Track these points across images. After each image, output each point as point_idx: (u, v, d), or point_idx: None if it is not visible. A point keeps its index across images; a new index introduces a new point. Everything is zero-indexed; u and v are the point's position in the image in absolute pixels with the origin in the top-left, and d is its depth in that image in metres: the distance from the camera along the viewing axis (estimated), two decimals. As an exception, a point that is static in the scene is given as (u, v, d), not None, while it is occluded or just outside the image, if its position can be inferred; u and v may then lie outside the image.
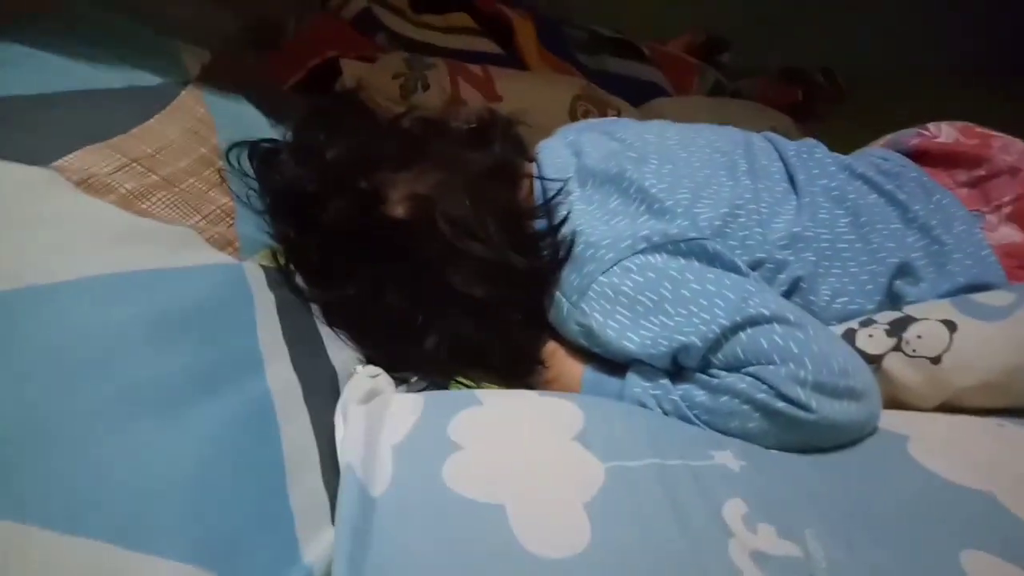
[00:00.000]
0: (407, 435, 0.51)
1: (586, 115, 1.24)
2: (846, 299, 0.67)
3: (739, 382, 0.58)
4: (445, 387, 0.67)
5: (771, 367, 0.57)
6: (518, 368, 0.70)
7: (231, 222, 0.67)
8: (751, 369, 0.58)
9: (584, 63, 1.55)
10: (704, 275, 0.62)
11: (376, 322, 0.67)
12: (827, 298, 0.67)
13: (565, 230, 0.68)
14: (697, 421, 0.59)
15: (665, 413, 0.60)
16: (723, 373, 0.59)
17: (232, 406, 0.48)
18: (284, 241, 0.70)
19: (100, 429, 0.43)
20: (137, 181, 0.63)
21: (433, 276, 0.67)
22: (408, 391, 0.64)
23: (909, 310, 0.64)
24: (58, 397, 0.44)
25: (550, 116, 1.08)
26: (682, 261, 0.63)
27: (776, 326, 0.58)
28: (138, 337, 0.49)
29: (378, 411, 0.53)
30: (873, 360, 0.62)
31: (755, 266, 0.67)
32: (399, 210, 0.68)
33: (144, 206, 0.61)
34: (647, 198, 0.67)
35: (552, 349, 0.69)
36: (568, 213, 0.68)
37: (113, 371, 0.46)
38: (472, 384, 0.69)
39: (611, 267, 0.63)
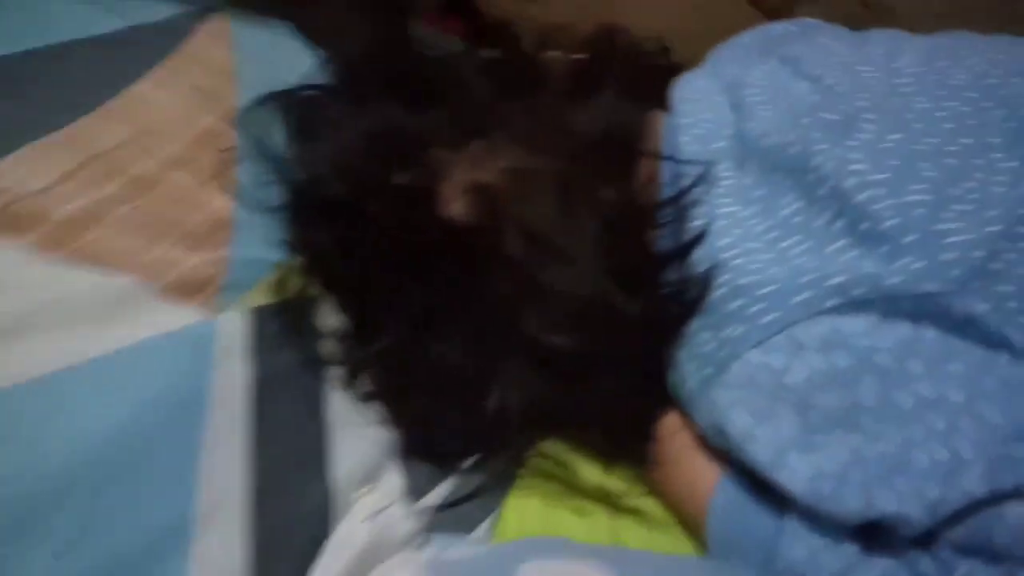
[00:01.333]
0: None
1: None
2: None
3: None
4: (506, 487, 0.47)
5: None
6: (616, 448, 0.47)
7: (223, 238, 0.48)
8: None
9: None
10: (943, 365, 0.35)
11: (417, 378, 0.47)
12: None
13: (701, 254, 0.42)
14: None
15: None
16: (964, 562, 0.33)
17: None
18: (307, 253, 0.50)
19: None
20: (88, 195, 0.45)
21: (498, 313, 0.44)
22: (448, 503, 0.45)
23: None
24: None
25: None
26: (904, 334, 0.36)
27: None
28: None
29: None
30: None
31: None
32: (454, 209, 0.45)
33: (83, 240, 0.43)
34: (849, 208, 0.39)
35: (673, 428, 0.45)
36: (707, 226, 0.42)
37: None
38: (554, 465, 0.48)
39: (772, 336, 0.38)
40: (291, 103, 0.55)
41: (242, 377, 0.42)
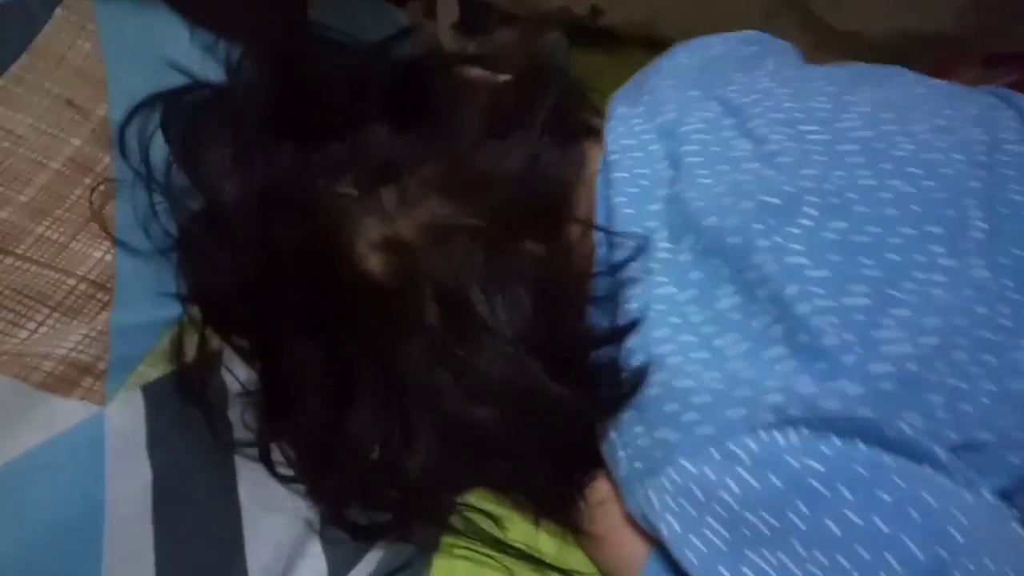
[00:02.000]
0: None
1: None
2: None
3: None
4: (430, 553, 0.46)
5: None
6: (544, 510, 0.46)
7: (104, 302, 0.43)
8: None
9: None
10: (873, 493, 0.35)
11: (336, 445, 0.44)
12: None
13: (632, 343, 0.40)
14: None
15: None
16: None
17: None
18: (204, 301, 0.45)
19: None
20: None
21: (419, 381, 0.42)
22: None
23: None
24: None
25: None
26: (833, 452, 0.36)
27: None
28: None
29: None
30: None
31: (964, 448, 0.38)
32: (368, 266, 0.41)
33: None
34: (788, 317, 0.37)
35: (602, 496, 0.44)
36: (643, 311, 0.40)
37: None
38: (487, 518, 0.47)
39: (705, 448, 0.37)
40: (175, 111, 0.48)
41: (140, 477, 0.39)
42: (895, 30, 0.71)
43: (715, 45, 0.53)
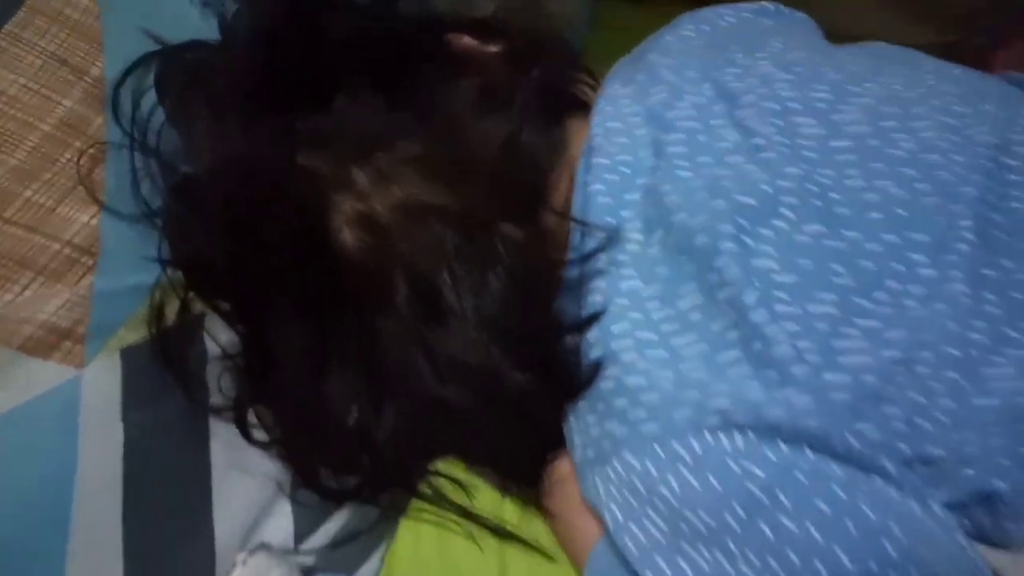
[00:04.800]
0: None
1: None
2: None
3: None
4: (398, 516, 0.47)
5: None
6: (509, 482, 0.47)
7: (88, 266, 0.44)
8: None
9: None
10: (811, 502, 0.35)
11: (309, 409, 0.46)
12: None
13: (593, 336, 0.40)
14: None
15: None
16: None
17: None
18: (187, 265, 0.46)
19: None
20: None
21: (389, 357, 0.43)
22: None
23: None
24: None
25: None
26: (777, 459, 0.35)
27: None
28: None
29: None
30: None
31: (920, 463, 0.37)
32: (344, 238, 0.42)
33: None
34: (743, 323, 0.36)
35: (562, 475, 0.45)
36: (606, 303, 0.40)
37: None
38: (455, 485, 0.48)
39: (650, 445, 0.37)
40: (170, 73, 0.49)
41: (112, 439, 0.41)
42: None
43: (725, 17, 0.50)
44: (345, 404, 0.44)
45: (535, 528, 0.48)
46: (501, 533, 0.47)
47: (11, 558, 0.36)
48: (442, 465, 0.49)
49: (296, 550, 0.45)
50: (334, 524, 0.47)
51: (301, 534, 0.46)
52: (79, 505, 0.38)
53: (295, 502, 0.46)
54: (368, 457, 0.46)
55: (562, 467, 0.45)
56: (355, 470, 0.47)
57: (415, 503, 0.48)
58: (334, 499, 0.47)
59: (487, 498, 0.49)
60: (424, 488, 0.48)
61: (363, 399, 0.44)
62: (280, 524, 0.45)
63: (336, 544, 0.46)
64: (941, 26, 0.61)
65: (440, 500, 0.48)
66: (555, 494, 0.45)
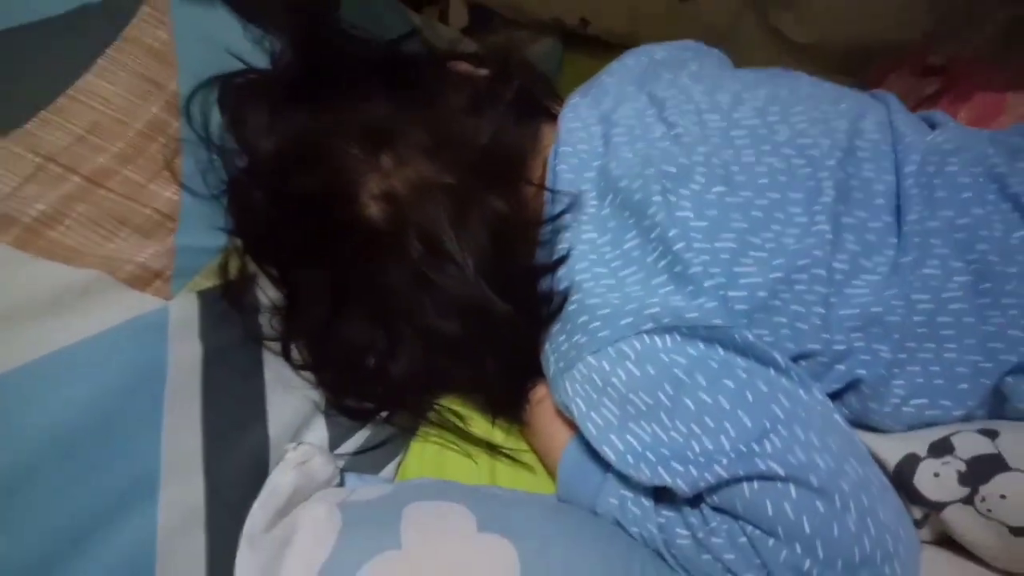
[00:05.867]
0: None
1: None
2: (924, 401, 0.50)
3: (729, 546, 0.46)
4: (409, 436, 0.59)
5: (771, 541, 0.44)
6: (497, 408, 0.60)
7: (171, 228, 0.57)
8: (749, 530, 0.45)
9: None
10: (720, 380, 0.47)
11: (333, 348, 0.58)
12: (897, 400, 0.50)
13: (561, 273, 0.53)
14: (673, 564, 0.49)
15: (644, 540, 0.50)
16: (716, 517, 0.47)
17: (98, 570, 0.43)
18: (244, 237, 0.59)
19: None
20: (49, 196, 0.53)
21: (399, 300, 0.55)
22: (365, 446, 0.57)
23: (1007, 442, 0.47)
24: None
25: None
26: (696, 352, 0.48)
27: (792, 489, 0.44)
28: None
29: (281, 542, 0.46)
30: (932, 507, 0.47)
31: (802, 357, 0.50)
32: (368, 212, 0.55)
33: (51, 237, 0.52)
34: (669, 252, 0.50)
35: (540, 397, 0.58)
36: (570, 249, 0.53)
37: None
38: (454, 415, 0.60)
39: (604, 348, 0.49)
40: (228, 89, 0.63)
41: (193, 352, 0.53)
42: (852, 40, 0.82)
43: (658, 51, 0.66)
44: (365, 344, 0.57)
45: (519, 447, 0.60)
46: (491, 448, 0.59)
47: (116, 426, 0.47)
48: (444, 400, 0.61)
49: (331, 453, 0.57)
50: (359, 438, 0.58)
51: (334, 441, 0.57)
52: (170, 391, 0.49)
53: (328, 417, 0.58)
54: (383, 388, 0.58)
55: (539, 391, 0.58)
56: (372, 397, 0.59)
57: (422, 428, 0.60)
58: (357, 418, 0.59)
59: (479, 425, 0.61)
60: (430, 416, 0.60)
61: (380, 340, 0.56)
62: (317, 434, 0.57)
63: (360, 451, 0.58)
64: (834, 73, 0.77)
65: (442, 424, 0.59)
66: (535, 413, 0.58)
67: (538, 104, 0.62)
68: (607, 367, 0.49)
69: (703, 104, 0.56)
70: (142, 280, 0.53)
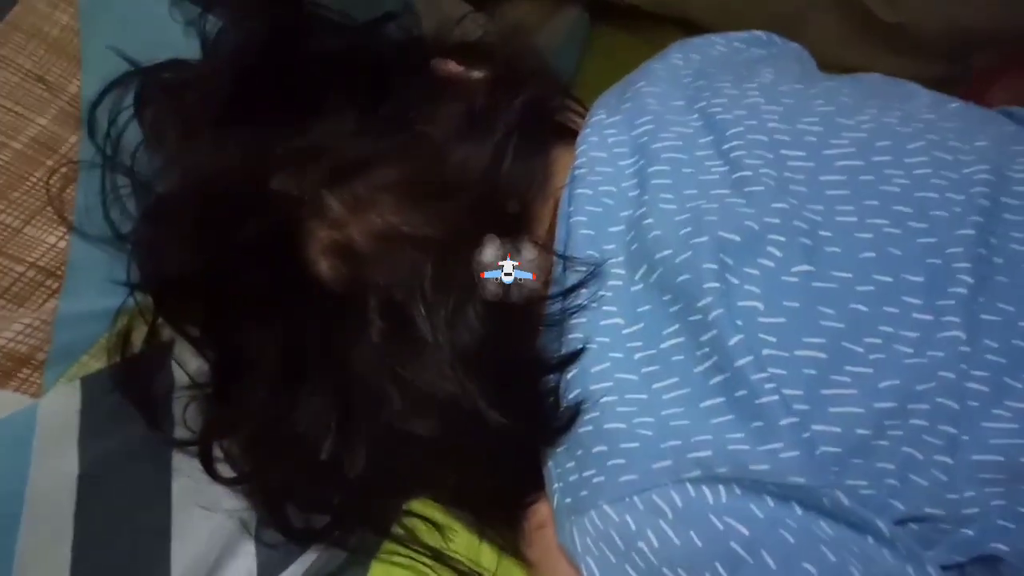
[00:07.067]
0: None
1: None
2: None
3: None
4: (369, 557, 0.45)
5: None
6: (487, 522, 0.45)
7: (52, 289, 0.43)
8: None
9: None
10: (797, 564, 0.32)
11: (282, 439, 0.44)
12: None
13: (572, 376, 0.38)
14: None
15: None
16: None
17: None
18: (161, 287, 0.44)
19: None
20: None
21: (364, 387, 0.41)
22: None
23: None
24: None
25: None
26: (764, 515, 0.33)
27: None
28: None
29: None
30: None
31: (913, 521, 0.35)
32: (321, 269, 0.40)
33: None
34: (728, 367, 0.34)
35: (541, 521, 0.43)
36: (586, 340, 0.38)
37: None
38: (426, 529, 0.46)
39: (628, 497, 0.35)
40: (150, 91, 0.48)
41: (66, 471, 0.39)
42: (944, 24, 0.65)
43: (716, 46, 0.49)
44: (317, 437, 0.42)
45: (513, 574, 0.46)
46: None
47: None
48: (417, 505, 0.47)
49: (258, 591, 0.43)
50: (299, 566, 0.45)
51: (265, 573, 0.43)
52: (26, 534, 0.36)
53: (259, 542, 0.44)
54: (339, 494, 0.44)
55: (540, 512, 0.43)
56: (325, 509, 0.45)
57: (387, 544, 0.46)
58: (301, 540, 0.45)
59: (464, 541, 0.46)
60: (397, 529, 0.45)
61: (336, 432, 0.42)
62: (243, 565, 0.43)
63: (301, 586, 0.44)
64: (926, 61, 0.60)
65: (413, 542, 0.45)
66: (534, 541, 0.43)
67: (551, 123, 0.46)
68: (632, 525, 0.35)
69: (780, 134, 0.40)
70: (2, 372, 0.39)
